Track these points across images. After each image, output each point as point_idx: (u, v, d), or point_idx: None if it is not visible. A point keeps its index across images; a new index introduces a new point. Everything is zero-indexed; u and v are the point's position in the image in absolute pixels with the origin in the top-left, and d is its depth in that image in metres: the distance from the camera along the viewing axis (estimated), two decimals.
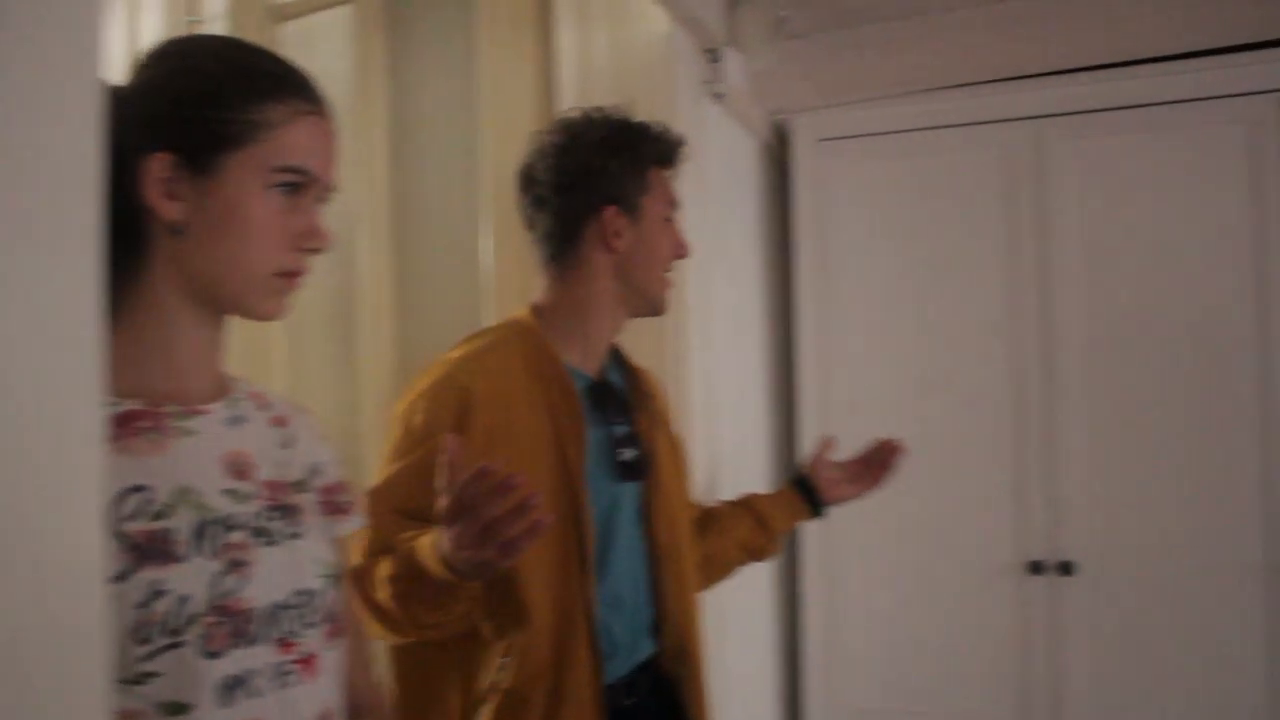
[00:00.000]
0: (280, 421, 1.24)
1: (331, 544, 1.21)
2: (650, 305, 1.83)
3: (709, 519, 2.05)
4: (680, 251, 1.83)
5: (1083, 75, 2.99)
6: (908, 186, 3.15)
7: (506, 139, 2.63)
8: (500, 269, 2.61)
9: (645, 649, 1.78)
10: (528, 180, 1.81)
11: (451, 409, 1.62)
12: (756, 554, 2.09)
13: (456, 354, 1.73)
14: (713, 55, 2.69)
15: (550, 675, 1.62)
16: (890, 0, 2.98)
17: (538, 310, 1.80)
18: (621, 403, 1.82)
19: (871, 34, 3.08)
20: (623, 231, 1.76)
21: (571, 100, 2.57)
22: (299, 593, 1.12)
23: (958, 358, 3.07)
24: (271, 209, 1.10)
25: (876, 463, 2.10)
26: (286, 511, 1.15)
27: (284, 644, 1.09)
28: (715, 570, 2.05)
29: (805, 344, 3.22)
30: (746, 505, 2.08)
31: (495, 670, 1.62)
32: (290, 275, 1.14)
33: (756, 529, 2.06)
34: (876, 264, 3.17)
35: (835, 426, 3.12)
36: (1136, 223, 2.94)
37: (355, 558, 1.59)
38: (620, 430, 1.78)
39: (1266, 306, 2.81)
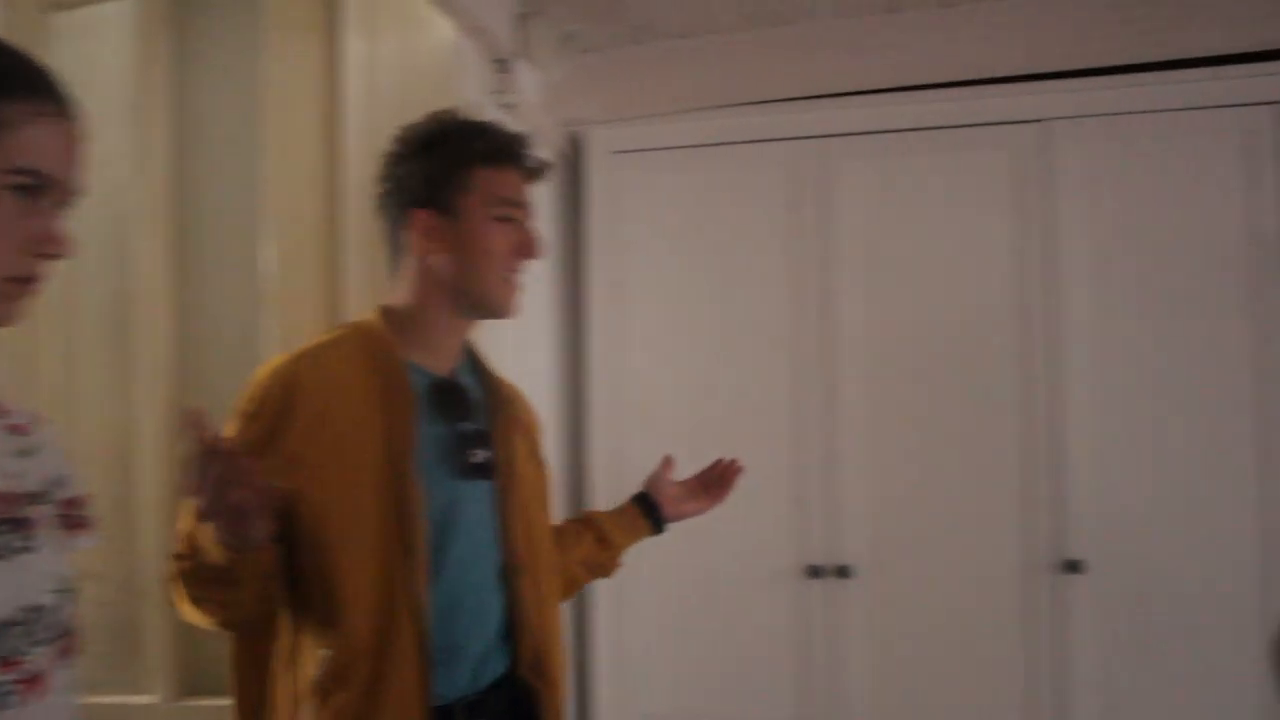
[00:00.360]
0: (17, 430, 1.19)
1: (68, 559, 1.17)
2: (485, 307, 1.79)
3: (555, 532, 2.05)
4: (522, 251, 1.79)
5: (866, 97, 3.12)
6: (699, 200, 3.23)
7: (290, 143, 2.60)
8: (284, 273, 2.58)
9: (497, 662, 1.76)
10: (375, 187, 1.83)
11: (276, 397, 1.65)
12: (599, 571, 2.11)
13: (301, 348, 1.75)
14: (502, 66, 2.70)
15: (368, 672, 1.60)
16: (683, 19, 3.04)
17: (384, 311, 1.79)
18: (471, 403, 1.80)
19: (665, 50, 3.14)
20: (438, 234, 1.75)
21: (357, 106, 2.56)
22: (27, 609, 1.08)
23: (743, 367, 3.16)
24: (4, 212, 1.07)
25: (716, 481, 2.15)
26: (17, 525, 1.11)
27: (7, 663, 1.05)
28: (563, 587, 2.05)
29: (595, 353, 3.26)
30: (588, 522, 2.09)
31: (316, 664, 1.61)
32: (23, 281, 1.10)
33: (598, 546, 2.07)
34: (667, 275, 3.23)
35: (624, 435, 3.20)
36: (912, 240, 3.08)
37: (175, 544, 1.60)
38: (468, 429, 1.76)
39: (1026, 322, 2.99)
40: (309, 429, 1.63)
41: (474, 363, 1.89)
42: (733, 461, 2.15)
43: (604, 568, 2.11)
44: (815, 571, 3.06)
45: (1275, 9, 2.85)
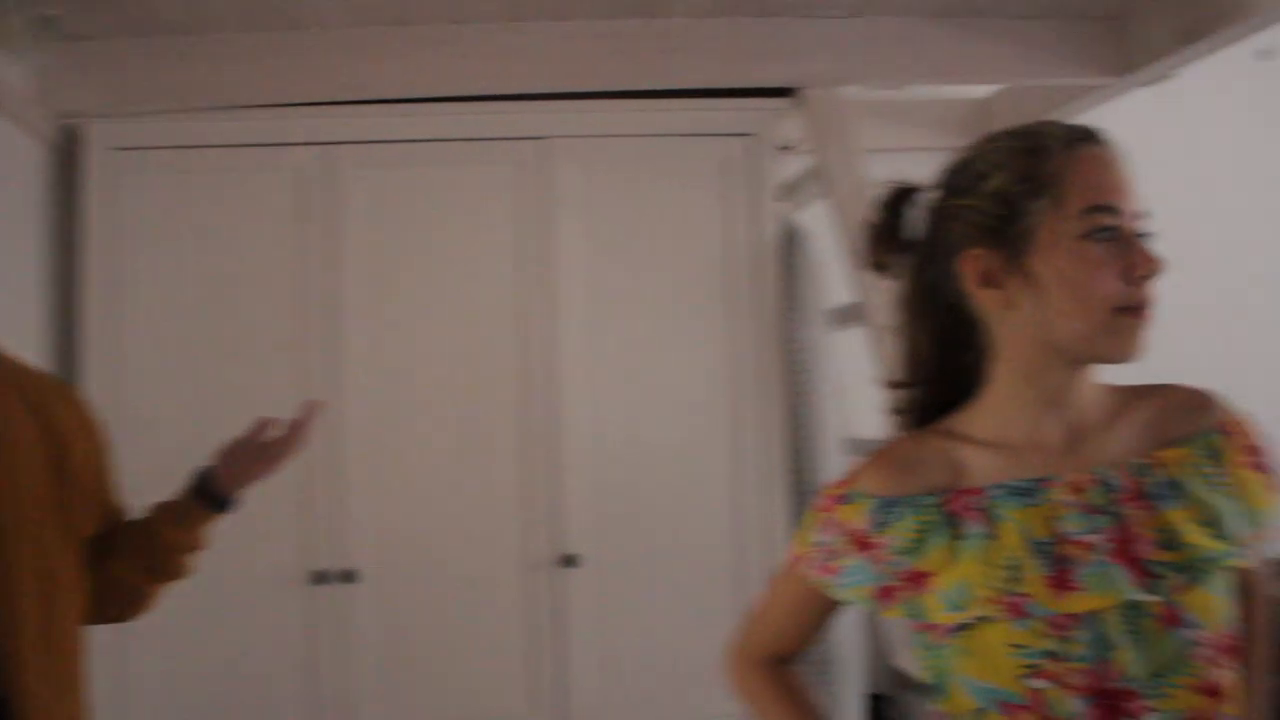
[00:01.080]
0: None
1: None
2: None
3: (109, 540, 1.81)
4: None
5: (376, 107, 3.16)
6: (206, 202, 3.13)
7: None
8: None
9: None
10: None
11: None
12: (163, 571, 1.84)
13: None
14: None
15: None
16: (182, 14, 2.92)
17: None
18: None
19: (166, 45, 3.03)
20: None
21: None
22: None
23: (250, 374, 3.06)
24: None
25: (288, 432, 1.92)
26: None
27: None
28: (118, 598, 1.84)
29: (92, 355, 3.06)
30: (144, 520, 1.84)
31: None
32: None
33: (146, 546, 1.82)
34: (171, 277, 3.09)
35: (128, 442, 3.02)
36: (419, 249, 3.15)
37: None
38: None
39: (525, 329, 3.15)
40: None
41: None
42: (311, 403, 1.95)
43: (165, 568, 1.84)
44: (321, 577, 3.04)
45: (750, 51, 3.16)
